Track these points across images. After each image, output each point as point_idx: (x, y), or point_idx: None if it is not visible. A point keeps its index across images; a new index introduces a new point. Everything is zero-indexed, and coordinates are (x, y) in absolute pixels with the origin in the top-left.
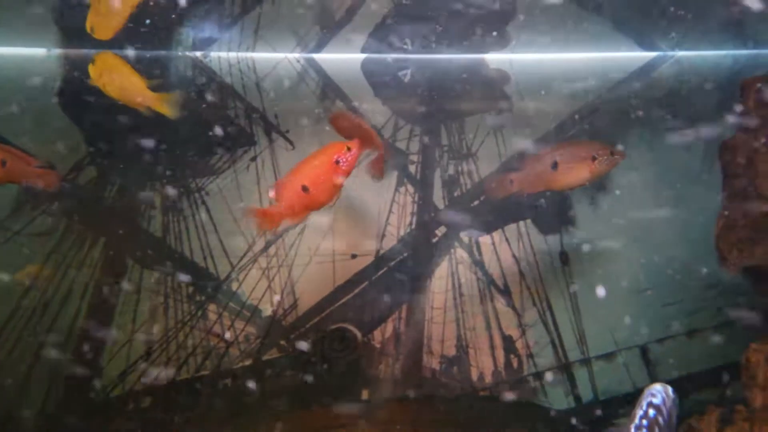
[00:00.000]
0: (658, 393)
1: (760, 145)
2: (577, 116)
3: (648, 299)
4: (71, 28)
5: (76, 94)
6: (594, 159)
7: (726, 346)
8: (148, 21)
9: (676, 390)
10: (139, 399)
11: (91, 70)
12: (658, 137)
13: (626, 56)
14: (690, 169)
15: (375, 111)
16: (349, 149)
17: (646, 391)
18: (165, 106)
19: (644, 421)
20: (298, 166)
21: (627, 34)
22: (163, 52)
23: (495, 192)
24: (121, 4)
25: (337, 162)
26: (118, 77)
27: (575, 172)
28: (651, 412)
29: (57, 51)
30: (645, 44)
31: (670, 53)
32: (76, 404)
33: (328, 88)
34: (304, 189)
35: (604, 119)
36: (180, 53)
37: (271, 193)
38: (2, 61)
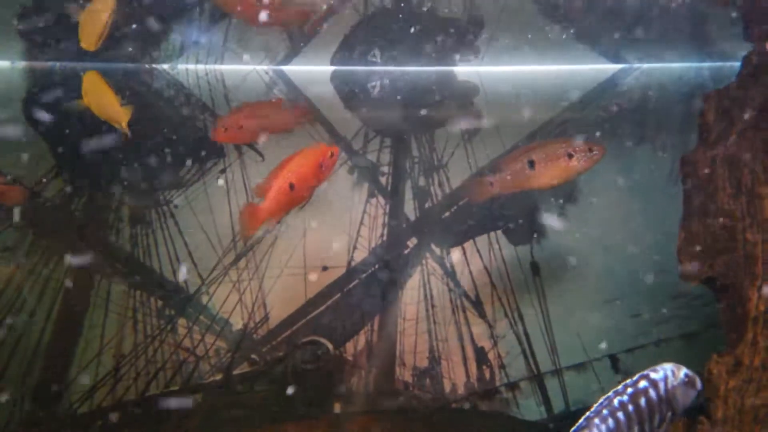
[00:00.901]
0: (662, 369)
1: (720, 158)
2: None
3: (617, 309)
4: (36, 40)
5: (42, 106)
6: (571, 156)
7: (693, 355)
8: (114, 33)
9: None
10: (107, 415)
11: (83, 88)
12: (625, 148)
13: (592, 68)
14: (656, 180)
15: (345, 122)
16: (332, 155)
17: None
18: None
19: (629, 389)
20: (284, 165)
21: (593, 47)
22: (130, 65)
23: (476, 195)
24: (101, 15)
25: (321, 166)
26: (98, 95)
27: (552, 170)
28: (642, 383)
29: (21, 63)
30: (611, 56)
31: (636, 65)
32: (43, 421)
33: (298, 99)
34: (291, 187)
35: (571, 131)
36: (147, 65)
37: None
38: None
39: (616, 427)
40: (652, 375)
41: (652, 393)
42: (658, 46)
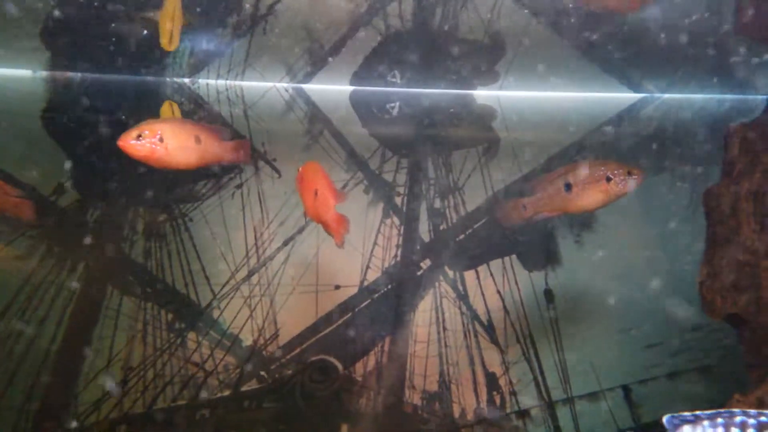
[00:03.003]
0: None
1: (744, 192)
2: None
3: (631, 339)
4: (60, 50)
5: (61, 116)
6: (609, 180)
7: (708, 388)
8: (138, 46)
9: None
10: (114, 428)
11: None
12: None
13: (613, 97)
14: (675, 211)
15: (362, 142)
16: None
17: None
18: None
19: (762, 417)
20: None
21: (614, 75)
22: (151, 78)
23: (508, 218)
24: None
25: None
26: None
27: (589, 194)
28: None
29: (43, 73)
30: (632, 86)
31: (657, 95)
32: (48, 431)
33: (316, 118)
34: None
35: (590, 158)
36: (168, 79)
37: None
38: None
39: None
40: None
41: None
42: (680, 77)
